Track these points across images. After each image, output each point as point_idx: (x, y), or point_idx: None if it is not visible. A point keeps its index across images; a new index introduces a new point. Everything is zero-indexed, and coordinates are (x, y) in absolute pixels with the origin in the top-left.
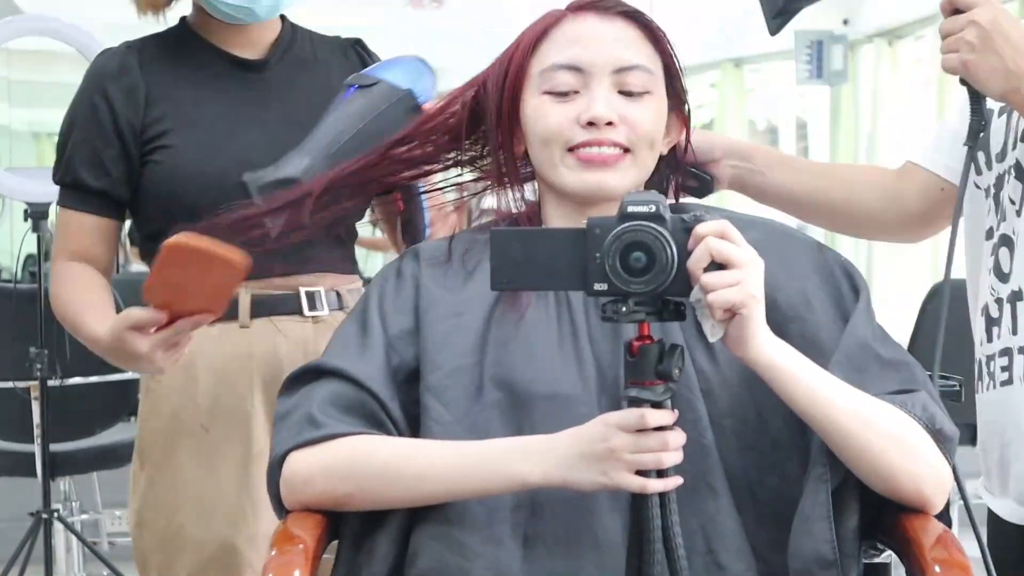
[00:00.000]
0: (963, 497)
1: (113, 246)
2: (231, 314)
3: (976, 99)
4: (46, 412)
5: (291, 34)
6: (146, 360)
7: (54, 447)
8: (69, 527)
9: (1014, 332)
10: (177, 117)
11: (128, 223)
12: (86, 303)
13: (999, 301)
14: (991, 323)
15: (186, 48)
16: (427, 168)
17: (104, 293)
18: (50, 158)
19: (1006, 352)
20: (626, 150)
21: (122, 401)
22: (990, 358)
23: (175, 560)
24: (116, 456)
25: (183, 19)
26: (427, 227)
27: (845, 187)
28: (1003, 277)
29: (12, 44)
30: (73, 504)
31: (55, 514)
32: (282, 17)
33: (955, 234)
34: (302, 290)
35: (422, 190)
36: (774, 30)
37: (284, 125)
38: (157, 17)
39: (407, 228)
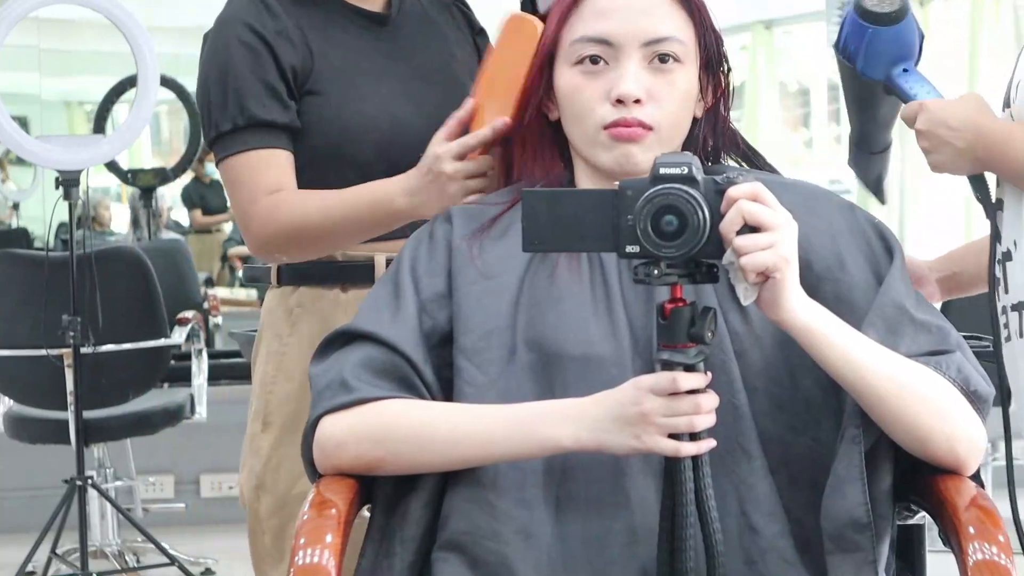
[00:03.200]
0: (1008, 456)
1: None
2: (366, 278)
3: (971, 182)
4: (79, 379)
5: None
6: (441, 168)
7: (87, 414)
8: (103, 494)
9: (1007, 291)
10: (323, 63)
11: (161, 190)
12: (341, 190)
13: (999, 262)
14: (995, 283)
15: (310, 1)
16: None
17: None
18: (80, 127)
19: (1003, 311)
20: (650, 129)
21: (155, 368)
22: (996, 316)
23: (290, 525)
24: (150, 423)
25: None
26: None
27: None
28: (999, 238)
29: (42, 13)
30: (107, 471)
31: (89, 481)
32: None
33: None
34: (382, 257)
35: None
36: (883, 200)
37: (414, 79)
38: None
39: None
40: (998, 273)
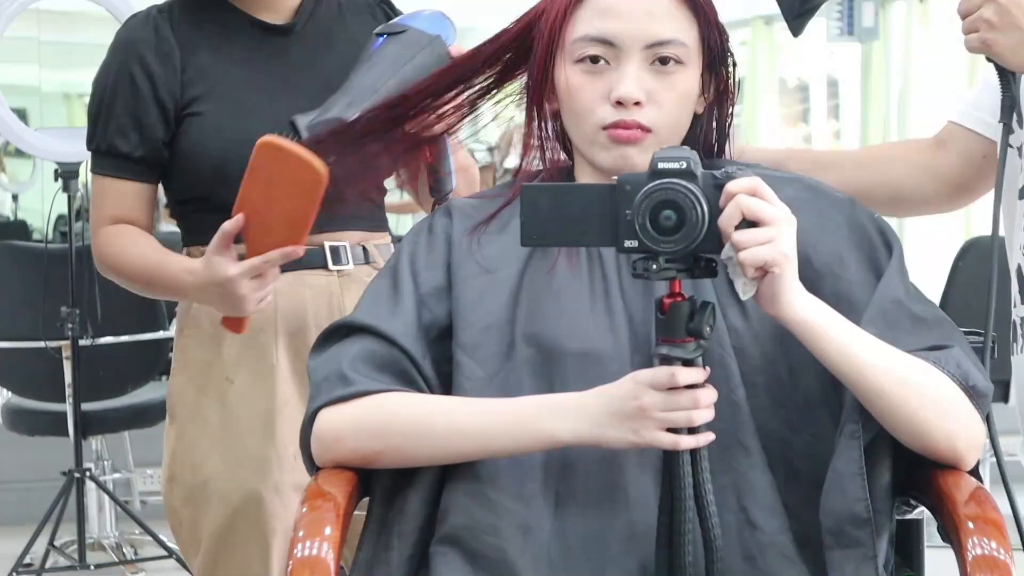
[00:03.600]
0: (996, 454)
1: (152, 211)
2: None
3: (1004, 76)
4: (77, 371)
5: (317, 2)
6: (236, 290)
7: (86, 406)
8: (101, 486)
9: None
10: (207, 83)
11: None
12: (159, 248)
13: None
14: (1022, 285)
15: (212, 12)
16: (458, 105)
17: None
18: (80, 119)
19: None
20: (648, 131)
21: (153, 360)
22: (1022, 320)
23: (203, 513)
24: (147, 415)
25: None
26: (452, 174)
27: (880, 171)
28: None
29: (42, 5)
30: (105, 463)
31: (87, 473)
32: None
33: (997, 220)
34: (326, 244)
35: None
36: (796, 31)
37: (313, 90)
38: None
39: (432, 174)
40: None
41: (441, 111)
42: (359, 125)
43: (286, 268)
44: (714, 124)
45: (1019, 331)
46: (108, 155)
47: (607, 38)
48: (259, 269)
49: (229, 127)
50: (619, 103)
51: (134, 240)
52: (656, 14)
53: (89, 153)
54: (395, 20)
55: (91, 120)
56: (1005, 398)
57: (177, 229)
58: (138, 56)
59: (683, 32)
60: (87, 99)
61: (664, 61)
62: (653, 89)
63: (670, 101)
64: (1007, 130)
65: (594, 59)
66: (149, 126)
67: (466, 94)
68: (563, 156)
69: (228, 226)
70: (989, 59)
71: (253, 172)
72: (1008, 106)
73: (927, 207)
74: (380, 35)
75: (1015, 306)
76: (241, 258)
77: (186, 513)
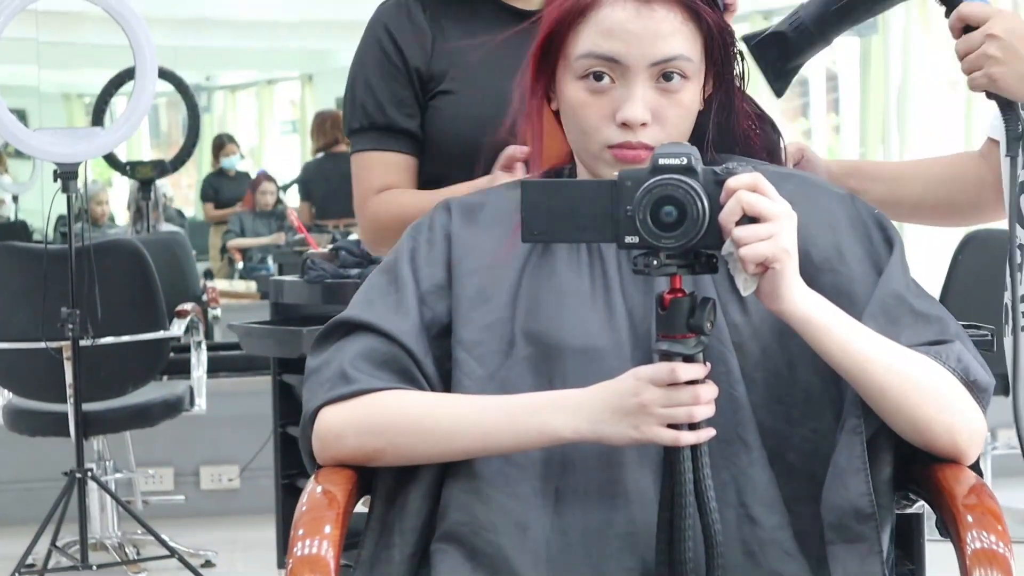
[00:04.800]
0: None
1: (416, 185)
2: None
3: (1009, 108)
4: (78, 372)
5: None
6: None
7: (87, 407)
8: (103, 486)
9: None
10: (459, 63)
11: (160, 182)
12: (433, 192)
13: (1021, 247)
14: (1015, 269)
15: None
16: None
17: None
18: (78, 120)
19: None
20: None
21: (154, 360)
22: (1016, 303)
23: None
24: (149, 415)
25: None
26: None
27: (939, 185)
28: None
29: (40, 5)
30: (107, 463)
31: (89, 473)
32: None
33: (1013, 244)
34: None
35: None
36: (779, 93)
37: None
38: None
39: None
40: (1022, 259)
41: None
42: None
43: None
44: (715, 120)
45: (1011, 313)
46: (367, 130)
47: (612, 56)
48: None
49: (479, 109)
50: (625, 124)
51: (407, 192)
52: (662, 33)
53: (351, 140)
54: None
55: (349, 100)
56: (1006, 391)
57: (177, 228)
58: (388, 34)
59: (688, 47)
60: (86, 99)
61: (668, 77)
62: (658, 107)
63: (676, 118)
64: (1014, 164)
65: (598, 76)
66: (408, 99)
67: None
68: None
69: (514, 150)
70: (990, 95)
71: None
72: (1014, 138)
73: (978, 217)
74: None
75: (1006, 290)
76: None
77: None
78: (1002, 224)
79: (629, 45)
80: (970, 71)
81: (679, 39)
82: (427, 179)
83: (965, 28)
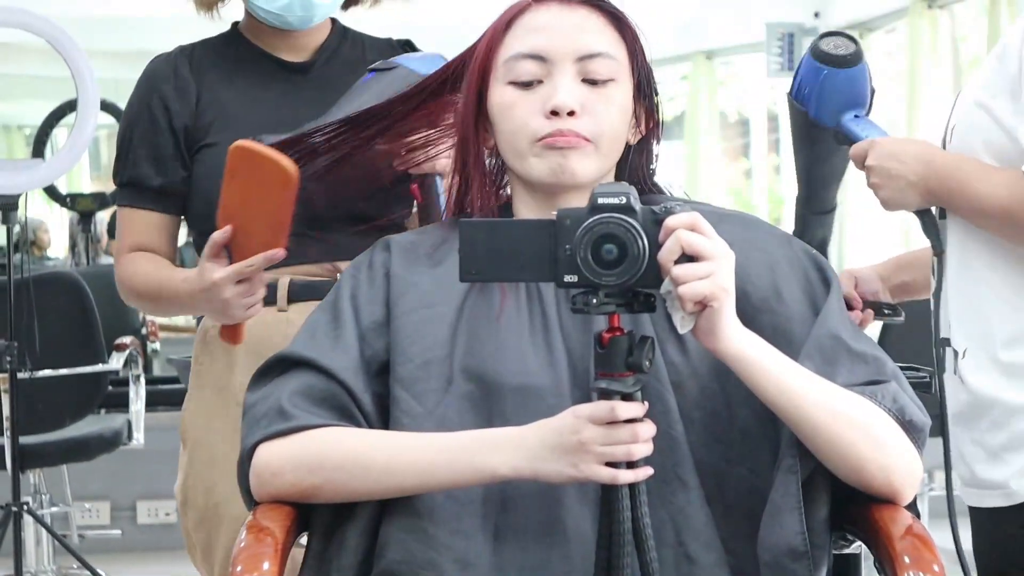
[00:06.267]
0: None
1: (174, 242)
2: (270, 299)
3: (920, 217)
4: (15, 404)
5: (340, 38)
6: (219, 293)
7: (23, 440)
8: (39, 520)
9: (936, 328)
10: (223, 117)
11: (100, 215)
12: (165, 265)
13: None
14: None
15: (235, 52)
16: (428, 150)
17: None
18: (19, 151)
19: (938, 344)
20: (588, 140)
21: (92, 394)
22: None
23: (215, 536)
24: (86, 449)
25: (235, 24)
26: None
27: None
28: (936, 276)
29: None
30: (43, 497)
31: (25, 507)
32: (333, 21)
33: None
34: (340, 276)
35: (440, 179)
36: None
37: None
38: (211, 14)
39: (425, 217)
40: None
41: (407, 146)
42: (318, 136)
43: (297, 298)
44: (644, 159)
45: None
46: (129, 186)
47: (538, 53)
48: (243, 274)
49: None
50: (554, 113)
51: (146, 262)
52: (585, 28)
53: (114, 188)
54: (392, 59)
55: (116, 155)
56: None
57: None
58: (157, 91)
59: (612, 48)
60: (26, 131)
61: (597, 76)
62: (588, 101)
63: (607, 111)
64: (940, 265)
65: (527, 84)
66: (167, 157)
67: (431, 133)
68: (502, 197)
69: (217, 236)
70: (895, 211)
71: (230, 175)
72: (933, 241)
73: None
74: (371, 71)
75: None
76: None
77: (199, 536)
78: None
79: (553, 40)
80: (873, 191)
81: (603, 37)
82: (198, 230)
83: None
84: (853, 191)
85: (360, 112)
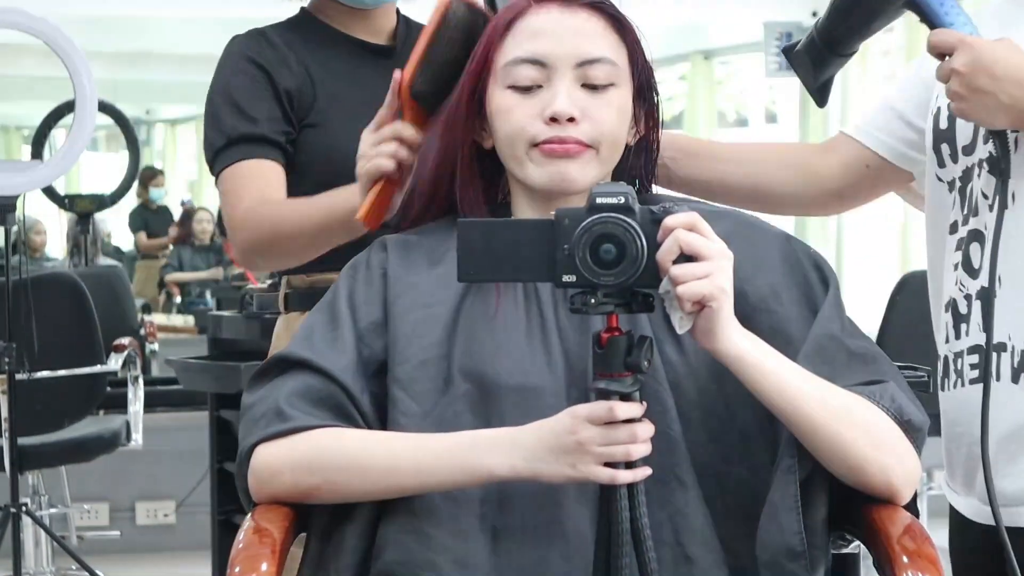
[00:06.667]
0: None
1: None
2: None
3: (994, 136)
4: (14, 406)
5: (406, 25)
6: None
7: (22, 441)
8: (38, 521)
9: (986, 329)
10: (325, 94)
11: (99, 216)
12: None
13: (968, 297)
14: (959, 319)
15: (316, 34)
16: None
17: None
18: (16, 152)
19: (976, 349)
20: (588, 146)
21: (91, 395)
22: (958, 355)
23: None
24: (85, 449)
25: (303, 9)
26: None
27: (752, 169)
28: (973, 273)
29: None
30: (42, 498)
31: (23, 508)
32: (398, 11)
33: (993, 272)
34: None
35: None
36: (822, 103)
37: None
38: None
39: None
40: (968, 307)
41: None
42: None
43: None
44: (643, 159)
45: (951, 367)
46: (236, 143)
47: (537, 58)
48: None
49: (348, 138)
50: (553, 120)
51: (285, 202)
52: (585, 33)
53: (213, 164)
54: None
55: (209, 128)
56: (939, 432)
57: (115, 262)
58: (251, 59)
59: (613, 52)
60: (25, 131)
61: (596, 81)
62: (588, 106)
63: (607, 116)
64: (1004, 189)
65: (526, 88)
66: (276, 117)
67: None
68: (500, 196)
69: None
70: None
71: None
72: (1001, 166)
73: (795, 208)
74: None
75: (947, 341)
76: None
77: None
78: None
79: (553, 44)
80: (949, 97)
81: (603, 42)
82: None
83: (939, 54)
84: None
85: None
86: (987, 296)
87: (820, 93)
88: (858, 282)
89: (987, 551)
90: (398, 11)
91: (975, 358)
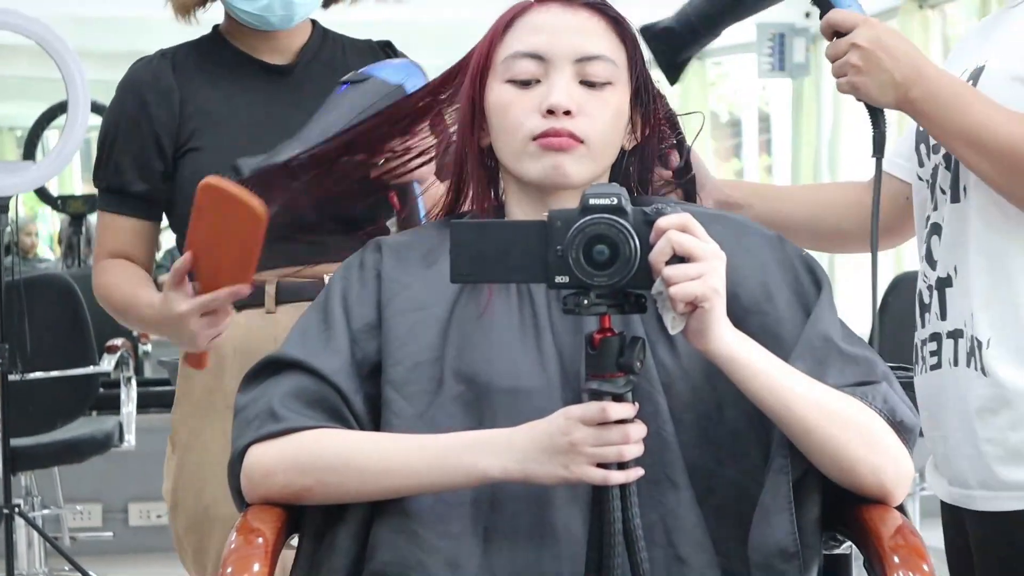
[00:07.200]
0: None
1: (152, 248)
2: (258, 301)
3: (873, 113)
4: (7, 407)
5: (321, 40)
6: (186, 326)
7: (15, 442)
8: (30, 522)
9: (942, 317)
10: (206, 121)
11: (92, 217)
12: (136, 282)
13: (929, 288)
14: (923, 309)
15: (217, 55)
16: (406, 158)
17: (150, 280)
18: (10, 153)
19: (935, 337)
20: (581, 141)
21: (83, 396)
22: (923, 343)
23: (207, 539)
24: (77, 451)
25: (216, 27)
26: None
27: (812, 209)
28: (932, 264)
29: None
30: (35, 499)
31: (16, 509)
32: (313, 23)
33: (875, 252)
34: (326, 277)
35: (418, 186)
36: (672, 82)
37: None
38: (188, 19)
39: (404, 224)
40: (929, 298)
41: (386, 155)
42: (294, 165)
43: (285, 300)
44: (640, 163)
45: (918, 354)
46: (109, 192)
47: (536, 52)
48: (208, 306)
49: (225, 161)
50: (550, 112)
51: (120, 273)
52: (585, 30)
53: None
54: (363, 68)
55: (96, 159)
56: None
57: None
58: (138, 96)
59: (612, 51)
60: (17, 132)
61: (595, 78)
62: (584, 102)
63: (602, 114)
64: (879, 165)
65: (525, 83)
66: (147, 163)
67: (410, 141)
68: (493, 197)
69: (179, 264)
70: (859, 99)
71: (198, 212)
72: (879, 142)
73: (856, 245)
74: (344, 83)
75: (916, 331)
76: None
77: (190, 540)
78: None
79: (552, 40)
80: (837, 76)
81: (602, 41)
82: (183, 232)
83: (835, 33)
84: None
85: (338, 134)
86: (944, 286)
87: (673, 73)
88: (850, 283)
89: (964, 532)
90: (315, 25)
91: (934, 345)
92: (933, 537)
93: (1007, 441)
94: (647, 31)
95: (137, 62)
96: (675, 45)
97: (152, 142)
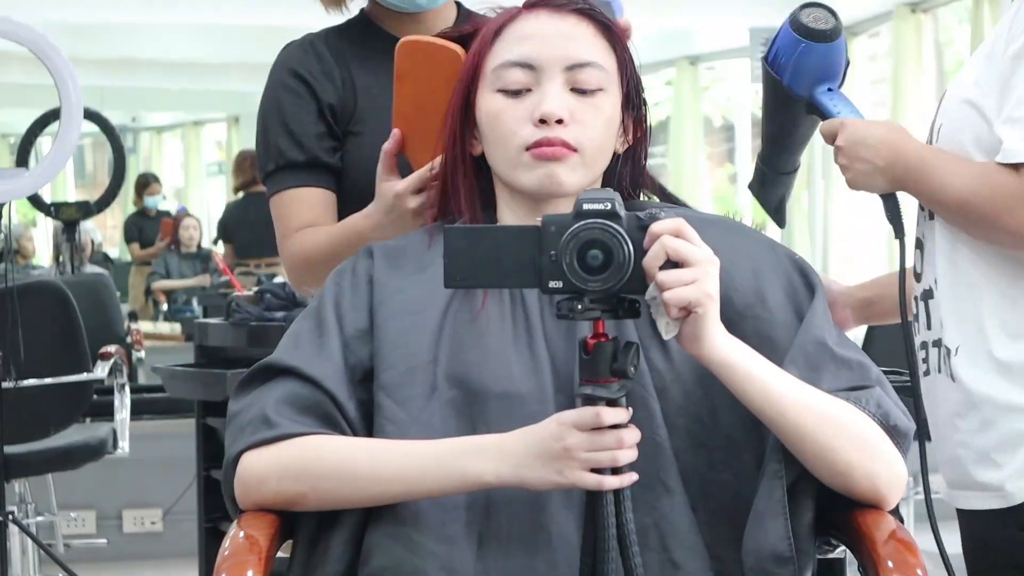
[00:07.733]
0: (927, 490)
1: (336, 217)
2: None
3: (883, 200)
4: (1, 413)
5: (468, 18)
6: (404, 205)
7: (8, 449)
8: (24, 529)
9: (928, 327)
10: (370, 103)
11: (85, 224)
12: (341, 223)
13: (916, 299)
14: (916, 319)
15: (367, 38)
16: None
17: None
18: (2, 159)
19: (924, 346)
20: (574, 150)
21: (77, 403)
22: (918, 351)
23: None
24: (71, 457)
25: (362, 11)
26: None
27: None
28: (918, 277)
29: None
30: (28, 506)
31: (10, 516)
32: (457, 4)
33: (903, 285)
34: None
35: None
36: (781, 224)
37: None
38: (341, 10)
39: None
40: (916, 309)
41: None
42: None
43: None
44: (631, 167)
45: (919, 360)
46: (283, 169)
47: (527, 61)
48: (424, 182)
49: (375, 153)
50: (542, 121)
51: (318, 230)
52: (575, 37)
53: (265, 184)
54: None
55: (258, 145)
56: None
57: (102, 270)
58: (296, 75)
59: (601, 57)
60: (10, 139)
61: (585, 85)
62: (576, 109)
63: (594, 121)
64: (903, 247)
65: (516, 92)
66: (315, 134)
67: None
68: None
69: (388, 145)
70: (863, 191)
71: (399, 79)
72: (895, 226)
73: None
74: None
75: (918, 332)
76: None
77: None
78: None
79: (542, 48)
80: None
81: (592, 47)
82: (343, 217)
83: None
84: (838, 199)
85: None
86: (927, 298)
87: (778, 213)
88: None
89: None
90: (460, 7)
91: (924, 354)
92: (927, 541)
93: (975, 443)
94: (751, 187)
95: (289, 45)
96: (767, 198)
97: (316, 113)
